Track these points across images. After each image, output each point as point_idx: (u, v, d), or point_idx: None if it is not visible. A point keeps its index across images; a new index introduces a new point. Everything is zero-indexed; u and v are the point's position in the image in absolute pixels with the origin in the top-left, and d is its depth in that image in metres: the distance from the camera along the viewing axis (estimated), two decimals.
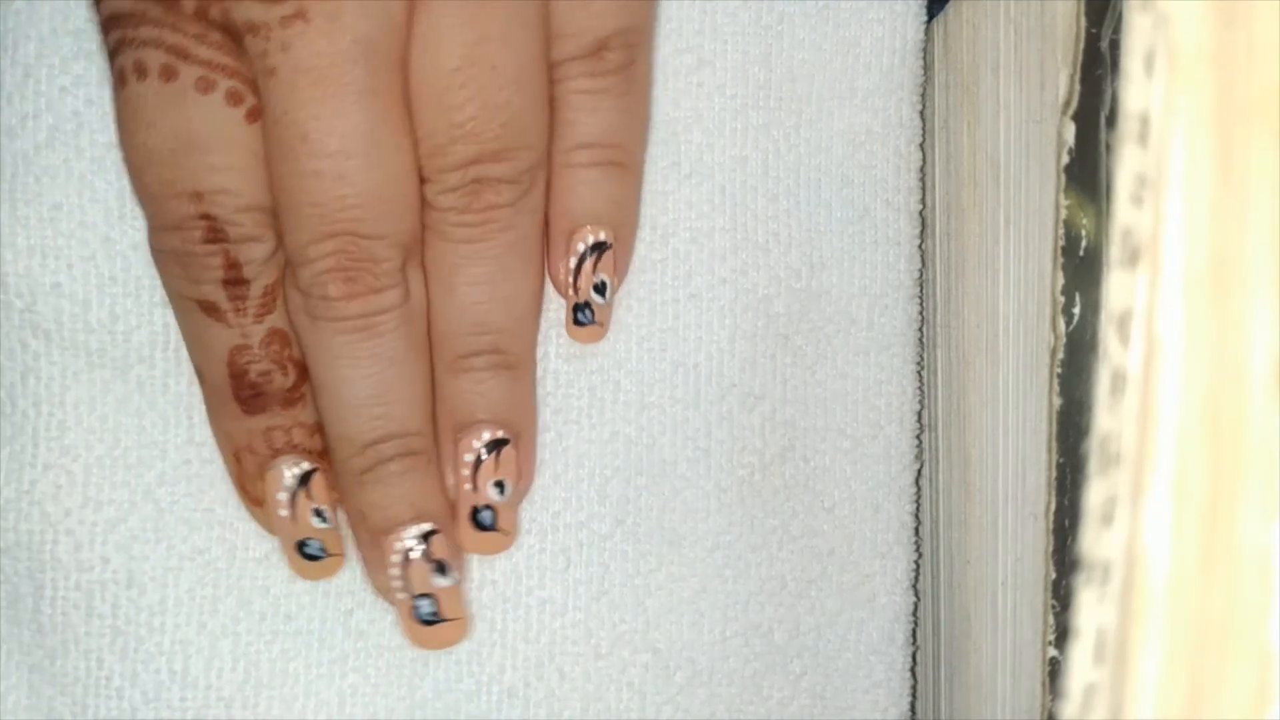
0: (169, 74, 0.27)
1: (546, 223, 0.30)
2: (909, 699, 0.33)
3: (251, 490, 0.29)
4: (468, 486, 0.29)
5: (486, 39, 0.27)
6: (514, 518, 0.30)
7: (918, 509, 0.33)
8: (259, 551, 0.30)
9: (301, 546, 0.29)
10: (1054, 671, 0.25)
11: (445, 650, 0.30)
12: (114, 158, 0.29)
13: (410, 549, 0.29)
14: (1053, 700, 0.25)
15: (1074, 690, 0.22)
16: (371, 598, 0.30)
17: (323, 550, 0.29)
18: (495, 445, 0.29)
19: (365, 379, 0.28)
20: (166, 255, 0.28)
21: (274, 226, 0.28)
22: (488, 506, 0.29)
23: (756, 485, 0.32)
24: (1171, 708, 0.21)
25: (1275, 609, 0.20)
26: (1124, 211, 0.23)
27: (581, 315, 0.30)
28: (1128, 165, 0.23)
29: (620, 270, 0.31)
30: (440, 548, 0.29)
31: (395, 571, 0.29)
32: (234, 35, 0.26)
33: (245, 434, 0.29)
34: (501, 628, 0.30)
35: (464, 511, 0.30)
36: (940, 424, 0.33)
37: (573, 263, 0.30)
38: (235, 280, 0.28)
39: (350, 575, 0.30)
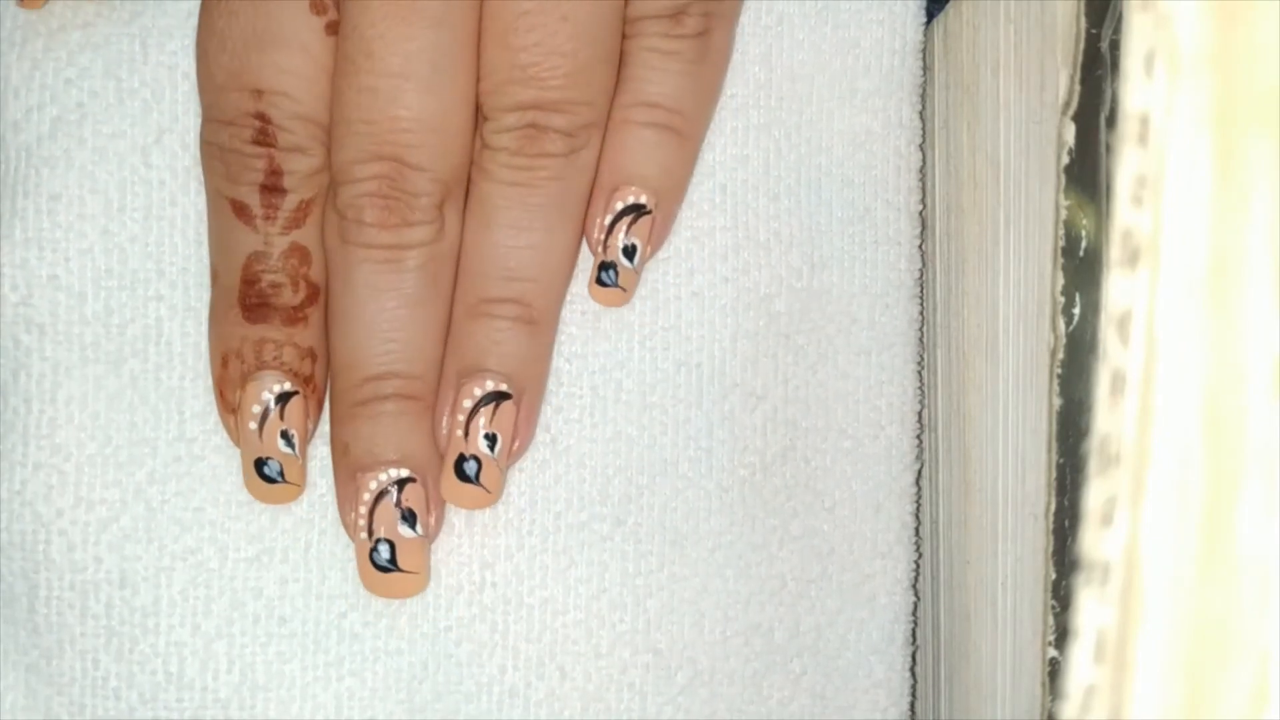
0: None
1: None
2: (909, 699, 0.33)
3: (229, 396, 0.29)
4: (460, 433, 0.29)
5: None
6: (499, 477, 0.29)
7: (918, 509, 0.33)
8: (250, 552, 0.30)
9: (261, 465, 0.29)
10: (1054, 672, 0.25)
11: (445, 654, 0.30)
12: (116, 148, 0.29)
13: (384, 491, 0.29)
14: (1053, 700, 0.25)
15: (1074, 690, 0.22)
16: (365, 600, 0.30)
17: (280, 475, 0.29)
18: (496, 397, 0.29)
19: (380, 312, 0.28)
20: (213, 149, 0.28)
21: (324, 144, 0.28)
22: (474, 457, 0.29)
23: (758, 485, 0.32)
24: (1171, 708, 0.21)
25: (1275, 609, 0.20)
26: (1124, 212, 0.23)
27: (605, 275, 0.30)
28: (1128, 165, 0.23)
29: (656, 240, 0.30)
30: (413, 497, 0.29)
31: (363, 510, 0.29)
32: None
33: (239, 339, 0.29)
34: (503, 628, 0.30)
35: (450, 458, 0.29)
36: (940, 424, 0.33)
37: (608, 220, 0.30)
38: (273, 187, 0.28)
39: (341, 578, 0.30)
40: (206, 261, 0.30)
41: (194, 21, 0.30)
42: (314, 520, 0.30)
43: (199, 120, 0.29)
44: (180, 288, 0.30)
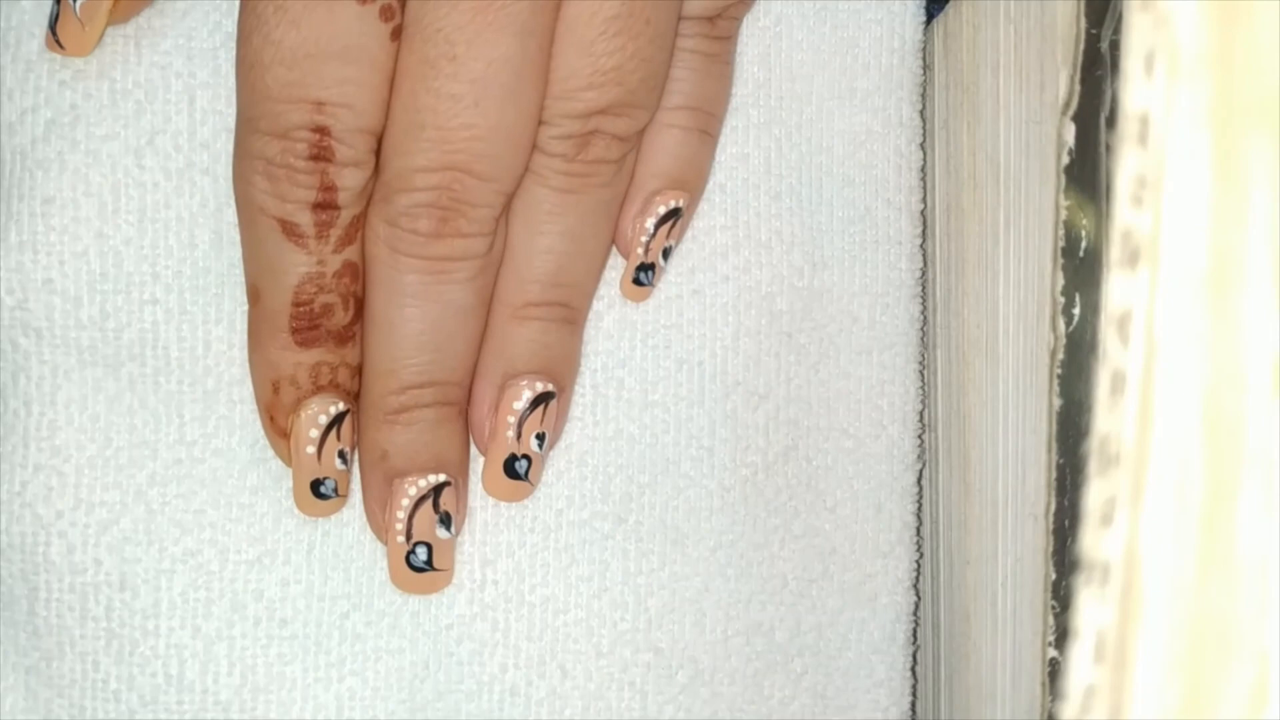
0: None
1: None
2: (910, 699, 0.33)
3: (280, 421, 0.28)
4: (511, 434, 0.29)
5: None
6: (542, 471, 0.30)
7: (919, 509, 0.33)
8: (251, 554, 0.30)
9: (316, 485, 0.29)
10: (1054, 672, 0.25)
11: (446, 652, 0.30)
12: (109, 150, 0.29)
13: (423, 496, 0.29)
14: (1052, 701, 0.25)
15: (1074, 690, 0.22)
16: (367, 600, 0.30)
17: (334, 491, 0.29)
18: (542, 398, 0.29)
19: (425, 320, 0.28)
20: (258, 164, 0.27)
21: (376, 154, 0.27)
22: (525, 456, 0.29)
23: (759, 484, 0.32)
24: (1171, 708, 0.21)
25: (1274, 609, 0.20)
26: (1124, 212, 0.23)
27: (644, 276, 0.30)
28: (1128, 166, 0.23)
29: (679, 237, 0.31)
30: (449, 501, 0.29)
31: (401, 515, 0.29)
32: None
33: (292, 366, 0.28)
34: (504, 627, 0.30)
35: (499, 457, 0.29)
36: (940, 424, 0.33)
37: (649, 224, 0.30)
38: (327, 205, 0.27)
39: (343, 578, 0.30)
40: (200, 264, 0.29)
41: (188, 22, 0.29)
42: (316, 521, 0.30)
43: (192, 120, 0.29)
44: (175, 291, 0.30)
